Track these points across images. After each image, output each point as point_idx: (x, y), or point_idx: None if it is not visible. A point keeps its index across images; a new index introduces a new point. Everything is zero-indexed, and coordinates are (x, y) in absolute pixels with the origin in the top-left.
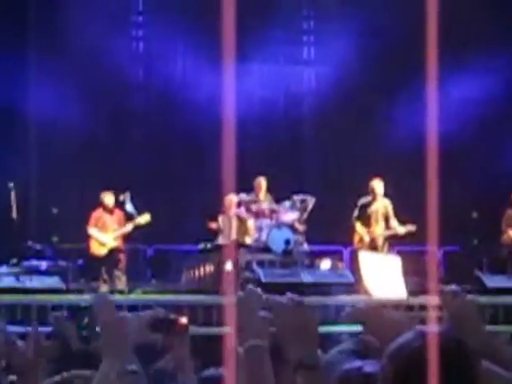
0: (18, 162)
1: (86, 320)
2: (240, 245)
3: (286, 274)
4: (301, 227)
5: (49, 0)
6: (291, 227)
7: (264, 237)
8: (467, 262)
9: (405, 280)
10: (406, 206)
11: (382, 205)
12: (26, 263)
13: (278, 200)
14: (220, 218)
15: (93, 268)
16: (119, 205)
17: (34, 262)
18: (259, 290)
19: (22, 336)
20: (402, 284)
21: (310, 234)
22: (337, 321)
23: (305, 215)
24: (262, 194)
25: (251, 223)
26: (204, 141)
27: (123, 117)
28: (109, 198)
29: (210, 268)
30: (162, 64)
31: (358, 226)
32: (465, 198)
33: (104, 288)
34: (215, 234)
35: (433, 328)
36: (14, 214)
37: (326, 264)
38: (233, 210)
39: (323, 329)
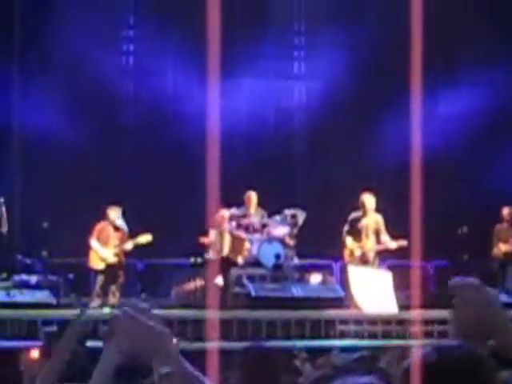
0: (7, 177)
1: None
2: (231, 262)
3: (276, 288)
4: (291, 242)
5: (38, 14)
6: (282, 242)
7: (254, 251)
8: (457, 276)
9: (395, 295)
10: (397, 221)
11: (372, 219)
12: (16, 278)
13: (269, 214)
14: (211, 233)
15: (86, 281)
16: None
17: (24, 277)
18: None
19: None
20: (392, 298)
21: (300, 249)
22: (328, 335)
23: (295, 230)
24: (253, 208)
25: (248, 244)
26: (195, 155)
27: (113, 131)
28: (113, 214)
29: (200, 282)
30: (153, 78)
31: (349, 241)
32: (454, 213)
33: (96, 302)
34: (207, 248)
35: (447, 342)
36: (4, 229)
37: (316, 278)
38: (225, 225)
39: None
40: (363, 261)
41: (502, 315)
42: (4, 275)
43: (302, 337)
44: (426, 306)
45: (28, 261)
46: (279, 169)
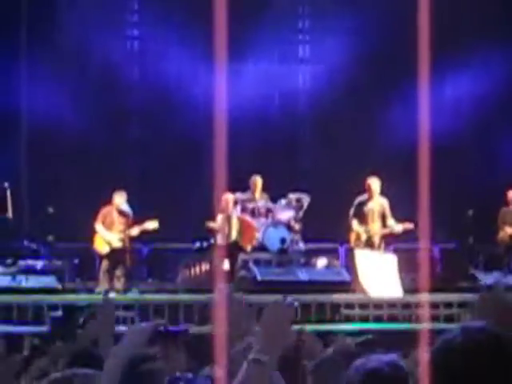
0: (13, 162)
1: (81, 320)
2: (239, 247)
3: (281, 272)
4: (296, 226)
5: (45, 0)
6: (287, 226)
7: (260, 236)
8: (463, 260)
9: (401, 278)
10: (403, 204)
11: (378, 203)
12: (21, 263)
13: (274, 199)
14: (219, 218)
15: (91, 266)
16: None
17: (30, 262)
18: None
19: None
20: (397, 282)
21: (305, 233)
22: (333, 319)
23: (300, 214)
24: (258, 192)
25: (258, 233)
26: (201, 139)
27: (119, 116)
28: (119, 198)
29: (205, 267)
30: (158, 63)
31: (355, 225)
32: (461, 197)
33: (101, 286)
34: (215, 233)
35: (475, 324)
36: (10, 214)
37: (321, 262)
38: (231, 210)
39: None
40: (369, 244)
41: None
42: (10, 260)
43: (308, 321)
44: (431, 289)
45: (34, 246)
46: (284, 153)
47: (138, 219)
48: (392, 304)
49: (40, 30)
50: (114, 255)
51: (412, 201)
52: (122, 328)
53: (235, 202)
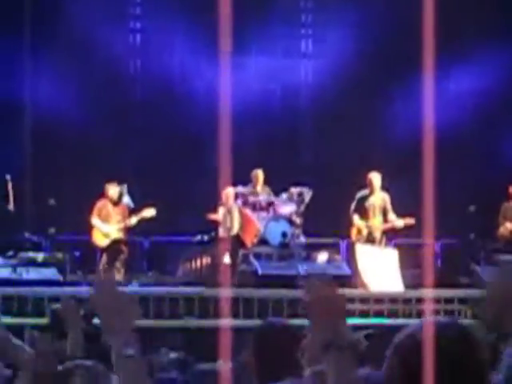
0: (14, 154)
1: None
2: (240, 241)
3: (282, 266)
4: (298, 220)
5: None
6: (288, 220)
7: (261, 229)
8: (464, 256)
9: (402, 273)
10: (405, 199)
11: (379, 198)
12: (22, 255)
13: (276, 192)
14: (220, 210)
15: (92, 258)
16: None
17: (31, 254)
18: None
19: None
20: (398, 277)
21: (307, 227)
22: None
23: (302, 208)
24: (260, 186)
25: (259, 231)
26: (202, 132)
27: (121, 108)
28: (113, 190)
29: (206, 260)
30: (160, 56)
31: (356, 219)
32: (462, 192)
33: None
34: (216, 226)
35: (440, 319)
36: (11, 206)
37: (322, 257)
38: (231, 203)
39: None
40: (370, 239)
41: None
42: (11, 252)
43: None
44: (432, 284)
45: (35, 238)
46: (286, 147)
47: (139, 211)
48: (393, 299)
49: (44, 21)
50: (114, 247)
51: (414, 196)
52: None
53: (236, 196)
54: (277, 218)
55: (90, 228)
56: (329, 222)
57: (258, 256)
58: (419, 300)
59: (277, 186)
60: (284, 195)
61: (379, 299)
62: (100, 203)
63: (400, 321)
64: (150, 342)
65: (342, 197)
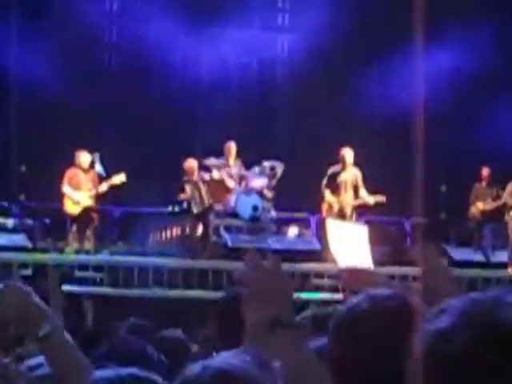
0: None
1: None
2: (211, 209)
3: (253, 239)
4: (269, 194)
5: None
6: (260, 193)
7: (232, 202)
8: (434, 235)
9: (371, 249)
10: (377, 176)
11: (351, 174)
12: None
13: (248, 166)
14: (187, 187)
15: (62, 226)
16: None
17: (1, 220)
18: None
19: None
20: (368, 253)
21: (278, 201)
22: (303, 288)
23: (274, 182)
24: (232, 159)
25: (231, 183)
26: (177, 103)
27: (96, 76)
28: (84, 157)
29: (177, 231)
30: (137, 25)
31: (327, 195)
32: (434, 171)
33: (71, 247)
34: (188, 203)
35: (383, 291)
36: None
37: (293, 231)
38: (196, 175)
39: None
40: (341, 215)
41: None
42: None
43: None
44: (401, 262)
45: (5, 204)
46: (260, 120)
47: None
48: None
49: None
50: (85, 215)
51: (386, 173)
52: (93, 289)
53: (208, 168)
54: (248, 191)
55: (60, 196)
56: (300, 196)
57: (228, 229)
58: (389, 277)
59: (249, 159)
60: (256, 169)
61: None
62: (70, 171)
63: None
64: (120, 311)
65: (315, 172)
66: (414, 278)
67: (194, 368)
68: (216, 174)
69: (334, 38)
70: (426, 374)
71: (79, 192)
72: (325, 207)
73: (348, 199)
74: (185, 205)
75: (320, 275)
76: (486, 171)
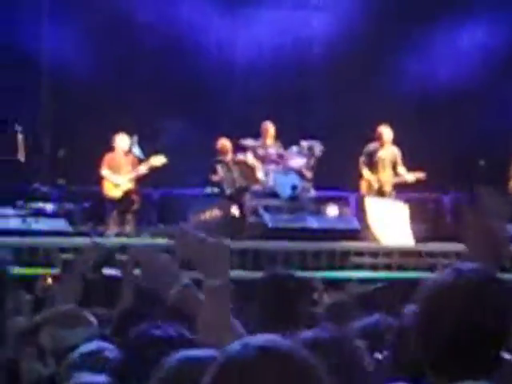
0: (26, 104)
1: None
2: (245, 190)
3: (292, 219)
4: (308, 173)
5: None
6: (298, 173)
7: (271, 182)
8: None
9: (412, 227)
10: (416, 153)
11: (389, 151)
12: (32, 205)
13: (286, 146)
14: (219, 169)
15: (102, 210)
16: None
17: (41, 205)
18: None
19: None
20: (408, 231)
21: (317, 181)
22: (343, 266)
23: (312, 161)
24: (270, 139)
25: (260, 174)
26: (212, 85)
27: (131, 57)
28: (123, 140)
29: (216, 212)
30: (171, 5)
31: (366, 173)
32: (472, 146)
33: (112, 231)
34: (220, 185)
35: (468, 265)
36: (21, 156)
37: (332, 210)
38: (229, 156)
39: (330, 274)
40: (380, 193)
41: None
42: (21, 203)
43: (318, 268)
44: (442, 238)
45: (44, 189)
46: (296, 100)
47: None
48: (403, 253)
49: None
50: (125, 198)
51: (424, 150)
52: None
53: (246, 149)
54: (287, 171)
55: (100, 180)
56: (339, 175)
57: (267, 209)
58: (429, 254)
59: (287, 139)
60: (294, 148)
61: (388, 253)
62: (109, 155)
63: (408, 274)
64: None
65: (353, 150)
66: (456, 254)
67: (235, 345)
68: (250, 159)
69: (369, 15)
70: None
71: (119, 175)
72: (364, 185)
73: (387, 177)
74: (220, 186)
75: (360, 253)
76: None
